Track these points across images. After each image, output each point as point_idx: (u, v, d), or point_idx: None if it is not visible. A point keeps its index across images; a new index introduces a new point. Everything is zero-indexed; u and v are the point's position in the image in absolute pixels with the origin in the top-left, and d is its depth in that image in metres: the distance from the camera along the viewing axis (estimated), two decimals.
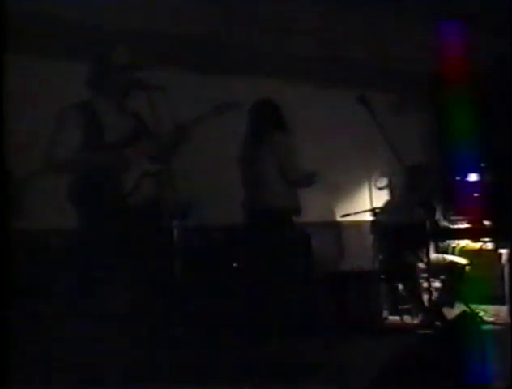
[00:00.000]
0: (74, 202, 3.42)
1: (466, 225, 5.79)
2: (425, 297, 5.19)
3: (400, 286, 5.48)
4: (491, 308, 5.44)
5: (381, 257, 5.59)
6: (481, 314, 5.26)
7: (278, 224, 4.55)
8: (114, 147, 3.41)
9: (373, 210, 5.80)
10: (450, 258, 5.62)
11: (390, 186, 6.38)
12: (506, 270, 5.42)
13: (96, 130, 3.40)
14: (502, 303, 5.40)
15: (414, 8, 5.78)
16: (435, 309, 5.11)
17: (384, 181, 6.51)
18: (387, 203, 6.03)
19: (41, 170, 3.51)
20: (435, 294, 5.23)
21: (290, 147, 4.65)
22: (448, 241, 5.87)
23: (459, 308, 5.17)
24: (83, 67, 3.55)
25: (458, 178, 6.35)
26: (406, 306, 5.40)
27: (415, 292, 5.33)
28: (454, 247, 5.92)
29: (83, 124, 3.38)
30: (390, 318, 5.39)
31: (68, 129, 3.39)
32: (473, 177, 6.32)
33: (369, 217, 5.84)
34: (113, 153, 3.39)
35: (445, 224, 5.78)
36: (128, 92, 3.49)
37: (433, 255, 5.46)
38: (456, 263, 5.50)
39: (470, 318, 3.42)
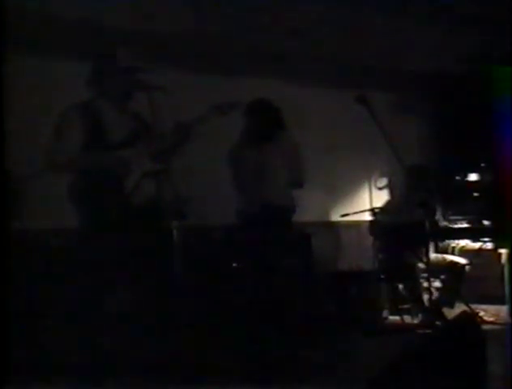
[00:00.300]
0: (75, 202, 3.42)
1: (466, 225, 5.79)
2: (425, 297, 5.19)
3: (400, 286, 5.48)
4: (491, 308, 5.44)
5: (381, 257, 5.59)
6: (481, 313, 5.26)
7: (279, 223, 4.56)
8: (115, 147, 3.40)
9: (372, 210, 5.81)
10: (449, 258, 5.62)
11: (390, 186, 6.38)
12: (506, 270, 5.42)
13: (97, 130, 3.40)
14: (502, 303, 5.40)
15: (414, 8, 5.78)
16: (435, 309, 5.11)
17: (384, 181, 6.51)
18: (387, 203, 6.04)
19: (42, 170, 3.51)
20: (435, 294, 5.24)
21: (296, 148, 4.69)
22: (448, 241, 5.88)
23: (459, 308, 5.17)
24: (84, 67, 3.55)
25: (458, 178, 6.35)
26: (406, 306, 5.40)
27: (415, 292, 5.33)
28: (453, 247, 5.92)
29: (84, 124, 3.38)
30: (391, 317, 5.39)
31: (69, 129, 3.39)
32: (473, 177, 6.33)
33: (368, 217, 5.84)
34: (114, 153, 3.39)
35: (445, 224, 5.78)
36: (129, 93, 3.49)
37: (433, 255, 5.47)
38: (456, 263, 5.50)
39: (470, 318, 3.42)
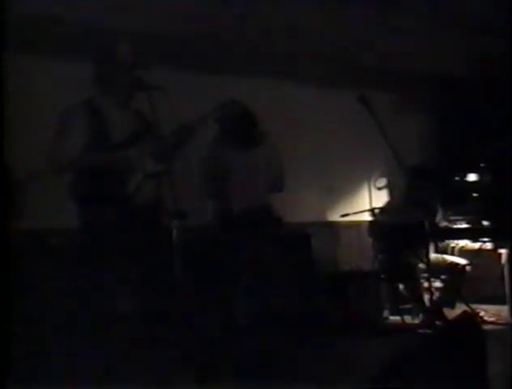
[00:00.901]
0: (76, 202, 3.42)
1: (466, 225, 5.79)
2: (426, 297, 5.19)
3: (401, 286, 5.48)
4: (492, 308, 5.44)
5: (381, 257, 5.59)
6: (482, 314, 5.26)
7: (274, 223, 4.57)
8: (118, 147, 3.40)
9: (372, 210, 5.80)
10: (449, 258, 5.62)
11: (390, 186, 6.38)
12: (506, 270, 5.42)
13: (99, 130, 3.40)
14: (503, 303, 5.40)
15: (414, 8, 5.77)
16: (436, 309, 5.11)
17: (383, 181, 6.50)
18: (387, 204, 6.03)
19: (43, 170, 3.50)
20: (436, 294, 5.23)
21: (278, 152, 4.71)
22: (448, 242, 5.88)
23: (460, 308, 5.17)
24: (84, 67, 3.55)
25: (458, 178, 6.35)
26: (407, 306, 5.40)
27: (415, 292, 5.33)
28: (453, 247, 5.92)
29: (87, 123, 3.38)
30: (391, 318, 5.39)
31: (72, 128, 3.38)
32: (473, 177, 6.32)
33: (368, 217, 5.84)
34: (115, 153, 3.39)
35: (445, 224, 5.78)
36: (131, 92, 3.48)
37: (433, 255, 5.46)
38: (456, 264, 5.50)
39: (471, 319, 3.41)
